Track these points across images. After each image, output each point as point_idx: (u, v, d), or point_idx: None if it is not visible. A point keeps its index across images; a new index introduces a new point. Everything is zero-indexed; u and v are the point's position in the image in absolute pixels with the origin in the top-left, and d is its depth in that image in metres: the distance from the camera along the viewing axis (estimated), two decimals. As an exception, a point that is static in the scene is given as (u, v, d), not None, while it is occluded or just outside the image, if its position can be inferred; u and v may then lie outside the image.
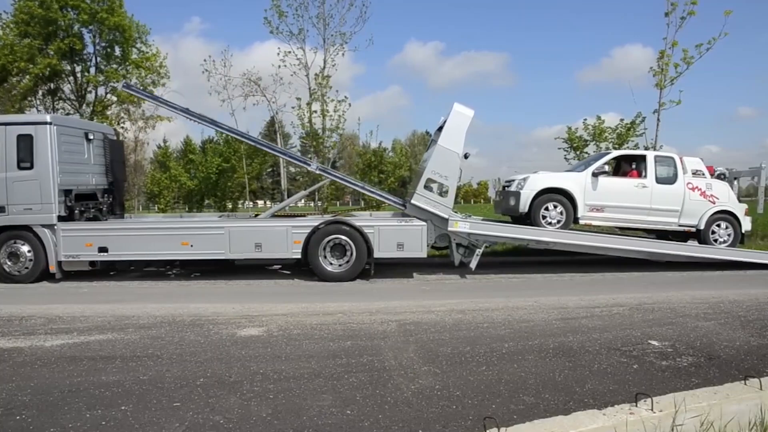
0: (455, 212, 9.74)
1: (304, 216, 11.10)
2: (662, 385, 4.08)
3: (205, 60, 20.39)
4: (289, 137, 44.56)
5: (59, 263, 9.13)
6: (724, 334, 5.64)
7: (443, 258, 11.20)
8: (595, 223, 10.19)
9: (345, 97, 17.90)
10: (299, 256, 9.09)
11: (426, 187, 9.25)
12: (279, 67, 18.16)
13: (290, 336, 5.62)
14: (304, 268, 9.72)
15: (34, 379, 4.42)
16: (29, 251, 9.09)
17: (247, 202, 25.21)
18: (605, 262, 11.27)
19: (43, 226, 9.04)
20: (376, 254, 9.05)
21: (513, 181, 10.42)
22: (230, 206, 22.02)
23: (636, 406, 2.96)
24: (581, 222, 10.09)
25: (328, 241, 9.04)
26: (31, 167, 8.96)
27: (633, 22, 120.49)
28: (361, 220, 9.27)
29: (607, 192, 10.00)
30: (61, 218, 9.12)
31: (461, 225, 9.30)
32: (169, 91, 23.80)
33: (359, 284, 8.93)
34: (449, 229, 9.23)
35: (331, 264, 9.11)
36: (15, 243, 9.10)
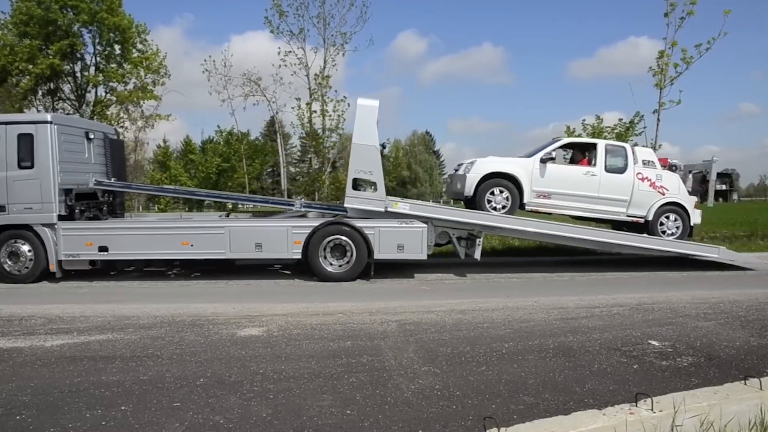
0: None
1: (304, 216, 11.09)
2: (662, 385, 4.08)
3: (205, 60, 20.43)
4: (289, 137, 44.60)
5: (59, 262, 9.11)
6: (724, 334, 5.64)
7: (443, 258, 11.20)
8: (542, 210, 10.04)
9: (344, 97, 17.94)
10: (299, 257, 9.07)
11: (355, 188, 9.23)
12: (279, 66, 18.22)
13: (290, 336, 5.62)
14: (303, 268, 9.70)
15: (34, 379, 4.42)
16: (29, 250, 9.08)
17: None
18: (605, 262, 11.29)
19: (44, 225, 9.02)
20: (376, 256, 9.03)
21: (462, 164, 10.40)
22: (230, 206, 22.05)
23: (636, 406, 2.96)
24: (528, 208, 9.95)
25: (329, 242, 9.03)
26: (31, 166, 8.95)
27: (634, 17, 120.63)
28: (362, 221, 9.25)
29: (555, 179, 9.86)
30: (61, 217, 9.11)
31: (401, 206, 9.31)
32: (169, 91, 23.82)
33: (359, 284, 8.93)
34: (389, 209, 9.19)
35: (331, 264, 9.09)
36: (15, 242, 9.09)
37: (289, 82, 18.68)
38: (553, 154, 9.92)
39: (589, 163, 10.11)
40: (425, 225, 9.13)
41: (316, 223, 9.10)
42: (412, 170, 64.05)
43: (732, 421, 2.98)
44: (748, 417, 3.05)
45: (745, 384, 3.30)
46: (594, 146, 10.22)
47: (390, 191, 18.39)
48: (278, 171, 30.32)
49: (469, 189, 9.76)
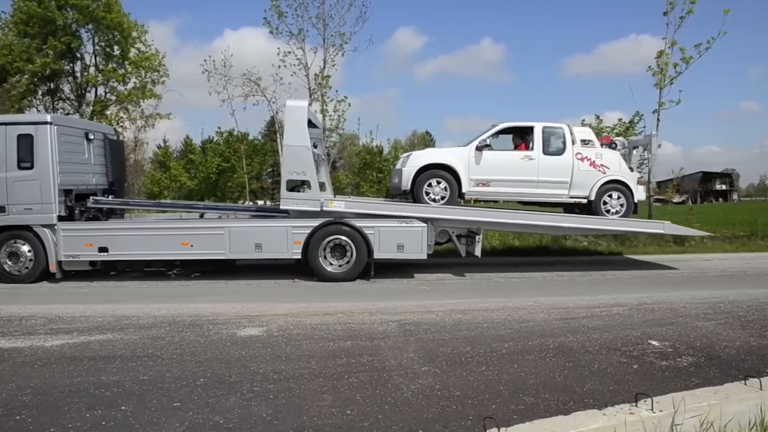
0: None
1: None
2: (662, 385, 4.08)
3: (204, 60, 20.37)
4: (289, 137, 44.43)
5: (59, 263, 9.12)
6: (724, 334, 5.64)
7: (443, 258, 11.20)
8: (482, 198, 9.94)
9: (345, 97, 17.93)
10: (299, 257, 9.08)
11: (291, 189, 9.20)
12: (279, 67, 18.18)
13: (290, 336, 5.62)
14: (303, 268, 9.70)
15: (34, 379, 4.42)
16: (29, 251, 9.08)
17: (247, 202, 25.27)
18: (605, 262, 11.28)
19: (44, 225, 9.03)
20: (376, 255, 9.03)
21: (400, 158, 10.34)
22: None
23: (636, 406, 2.96)
24: (467, 197, 9.86)
25: (329, 242, 9.03)
26: (31, 167, 8.95)
27: (635, 15, 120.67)
28: (361, 220, 9.25)
29: (492, 166, 9.68)
30: (61, 218, 9.11)
31: (336, 204, 9.26)
32: (168, 90, 23.81)
33: (359, 284, 8.93)
34: (325, 209, 9.14)
35: (331, 264, 9.10)
36: (15, 243, 9.10)
37: (288, 82, 18.62)
38: (488, 141, 9.77)
39: (527, 147, 9.87)
40: (425, 224, 9.13)
41: (315, 223, 9.10)
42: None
43: (732, 421, 2.98)
44: (748, 417, 3.05)
45: (745, 384, 3.30)
46: (531, 129, 9.91)
47: (390, 192, 18.32)
48: (278, 171, 30.25)
49: (406, 182, 9.68)
